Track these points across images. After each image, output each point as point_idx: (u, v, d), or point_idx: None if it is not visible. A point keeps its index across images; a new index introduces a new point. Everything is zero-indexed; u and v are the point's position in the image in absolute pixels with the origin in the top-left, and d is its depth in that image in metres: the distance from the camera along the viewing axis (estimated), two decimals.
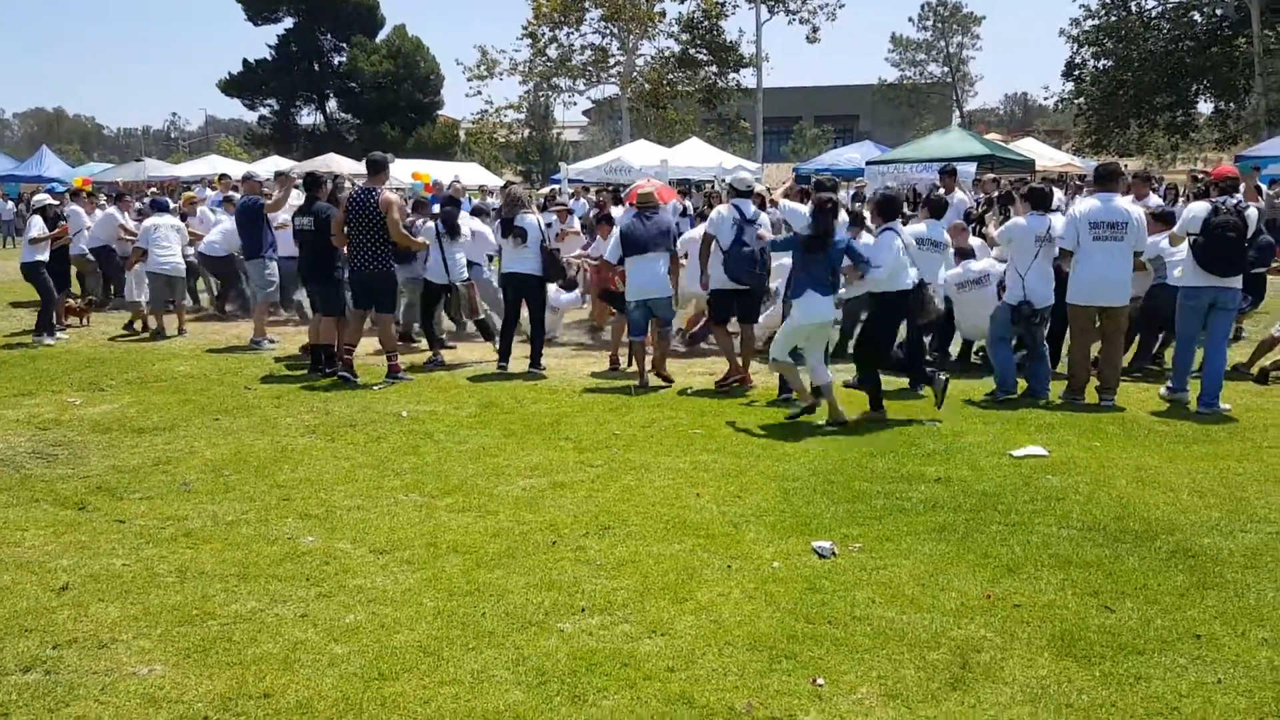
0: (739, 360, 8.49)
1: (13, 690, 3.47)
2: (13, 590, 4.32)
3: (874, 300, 7.47)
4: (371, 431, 7.05)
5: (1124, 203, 7.86)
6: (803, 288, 7.10)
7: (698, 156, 23.99)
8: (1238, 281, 7.41)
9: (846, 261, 7.14)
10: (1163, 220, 8.79)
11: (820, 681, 3.49)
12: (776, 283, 8.90)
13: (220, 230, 12.52)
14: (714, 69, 40.22)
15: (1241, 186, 10.96)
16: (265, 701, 3.40)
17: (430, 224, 9.98)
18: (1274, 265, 9.52)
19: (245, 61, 64.83)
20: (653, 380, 8.56)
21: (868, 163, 22.34)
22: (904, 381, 8.17)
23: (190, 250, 12.63)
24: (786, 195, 9.18)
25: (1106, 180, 7.91)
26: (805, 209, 7.95)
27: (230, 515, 5.30)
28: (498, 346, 9.41)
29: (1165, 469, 5.95)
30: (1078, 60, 41.64)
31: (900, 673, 3.56)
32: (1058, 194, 13.03)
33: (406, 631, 3.90)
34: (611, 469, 6.09)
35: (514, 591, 4.28)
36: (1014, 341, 8.06)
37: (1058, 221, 7.94)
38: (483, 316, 10.31)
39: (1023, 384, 7.93)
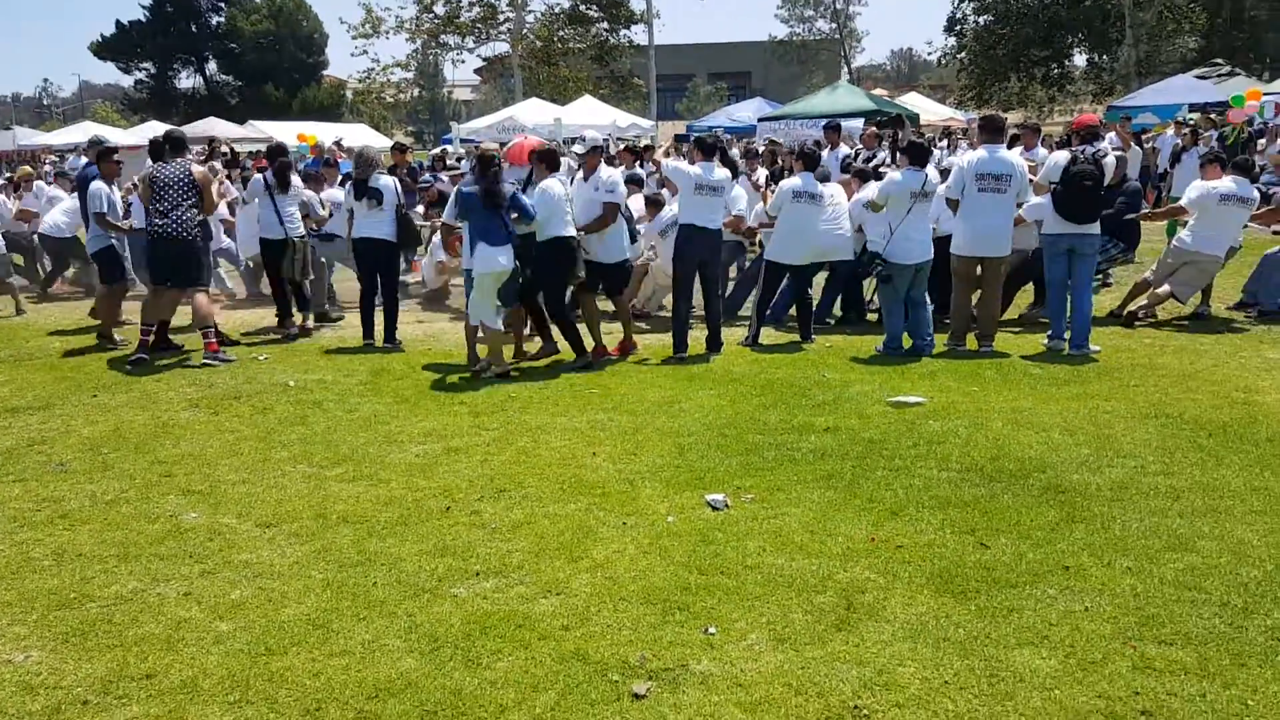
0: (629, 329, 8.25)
1: None
2: None
3: (536, 249, 7.60)
4: (257, 403, 6.86)
5: (1009, 154, 8.09)
6: (475, 241, 7.31)
7: (591, 114, 23.82)
8: (1095, 228, 7.69)
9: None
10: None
11: (712, 630, 3.57)
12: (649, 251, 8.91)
13: (63, 209, 11.44)
14: (605, 25, 39.86)
15: (1111, 135, 11.37)
16: (148, 682, 3.31)
17: (258, 176, 9.34)
18: (1145, 211, 9.96)
19: (119, 23, 61.75)
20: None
21: (759, 119, 22.52)
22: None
23: (25, 229, 11.94)
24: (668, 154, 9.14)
25: (993, 132, 8.11)
26: (690, 168, 7.93)
27: (109, 494, 5.11)
28: (360, 320, 8.82)
29: (1039, 410, 6.20)
30: (959, 15, 42.61)
31: (789, 617, 3.66)
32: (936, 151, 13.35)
33: (295, 605, 3.84)
34: (507, 432, 6.07)
35: (406, 559, 4.24)
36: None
37: (934, 175, 8.13)
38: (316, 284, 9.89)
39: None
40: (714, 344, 8.14)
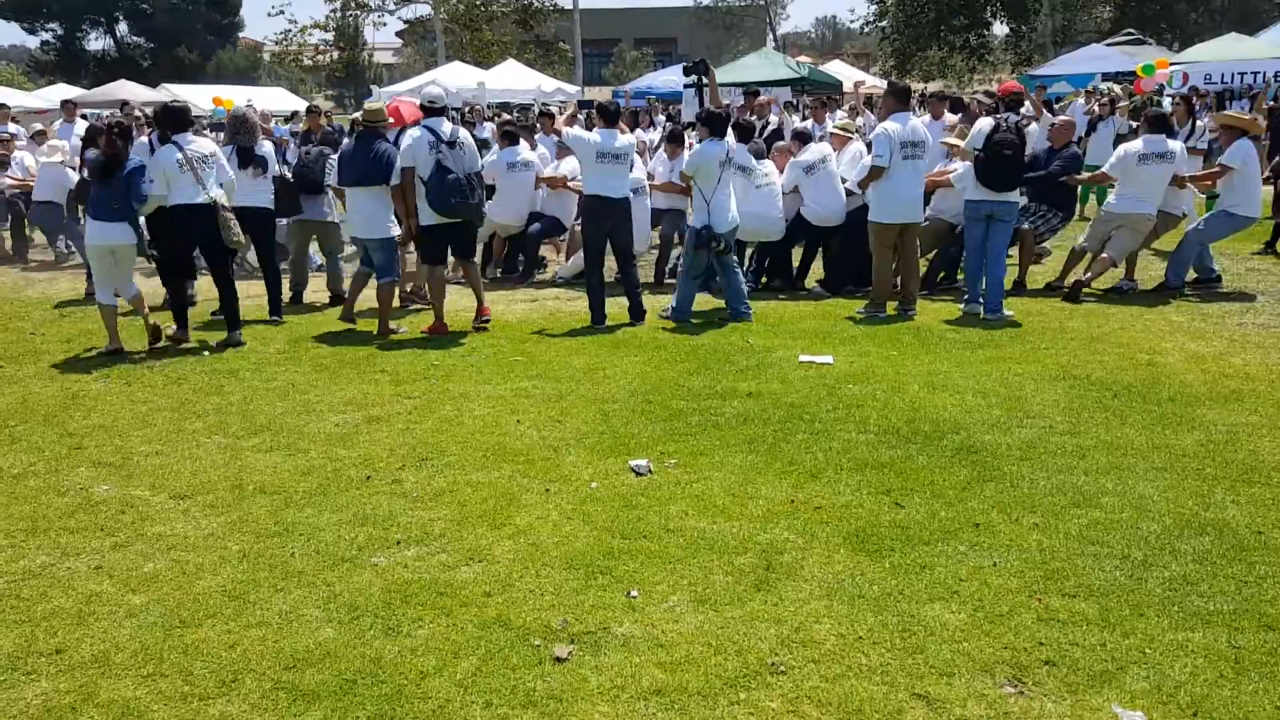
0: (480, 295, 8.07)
1: None
2: None
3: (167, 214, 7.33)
4: (170, 373, 6.69)
5: (919, 122, 8.25)
6: (92, 215, 7.15)
7: (516, 79, 23.58)
8: (1014, 195, 7.88)
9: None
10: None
11: (634, 594, 3.60)
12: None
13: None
14: None
15: (1026, 103, 11.58)
16: (57, 658, 3.24)
17: (144, 139, 8.74)
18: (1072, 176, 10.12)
19: None
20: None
21: (684, 85, 22.43)
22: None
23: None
24: (569, 122, 8.93)
25: (903, 100, 8.21)
26: (591, 136, 7.80)
27: (16, 467, 4.96)
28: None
29: (954, 373, 6.36)
30: None
31: (710, 579, 3.71)
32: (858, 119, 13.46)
33: (210, 577, 3.78)
34: (430, 400, 6.02)
35: (325, 529, 4.20)
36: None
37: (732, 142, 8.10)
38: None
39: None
40: (637, 313, 8.07)
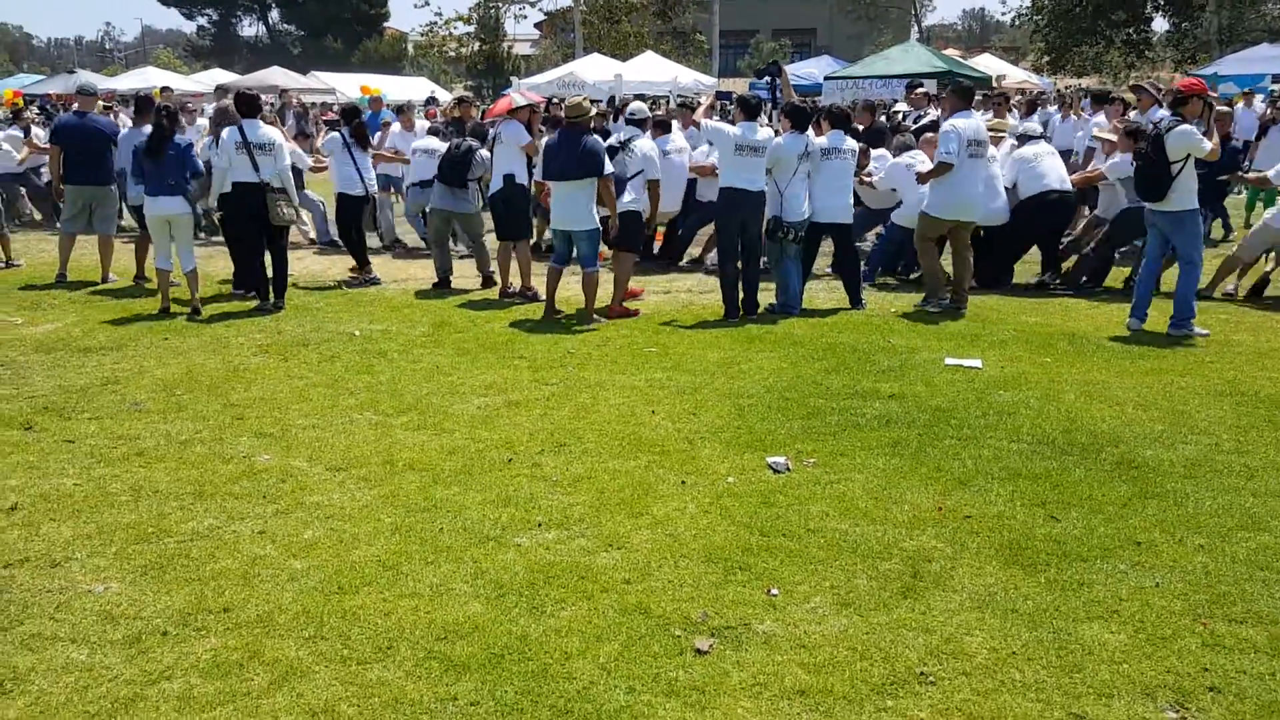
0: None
1: None
2: None
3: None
4: (325, 351, 6.97)
5: (980, 121, 8.33)
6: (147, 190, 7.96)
7: (652, 71, 23.62)
8: (1166, 204, 7.18)
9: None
10: (1132, 137, 8.77)
11: (775, 592, 3.57)
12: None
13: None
14: None
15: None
16: (225, 616, 3.40)
17: (335, 134, 9.57)
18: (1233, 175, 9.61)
19: None
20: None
21: (825, 77, 22.13)
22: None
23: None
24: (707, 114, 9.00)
25: (966, 98, 8.23)
26: (731, 129, 7.86)
27: (184, 434, 5.23)
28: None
29: (1113, 384, 6.08)
30: None
31: (853, 582, 3.64)
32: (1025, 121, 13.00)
33: (365, 547, 3.91)
34: (566, 387, 6.09)
35: (471, 508, 4.30)
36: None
37: (815, 138, 8.11)
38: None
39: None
40: (750, 306, 8.07)
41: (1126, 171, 8.33)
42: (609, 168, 7.71)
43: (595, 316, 7.90)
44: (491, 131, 8.96)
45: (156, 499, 4.39)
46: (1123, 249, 9.29)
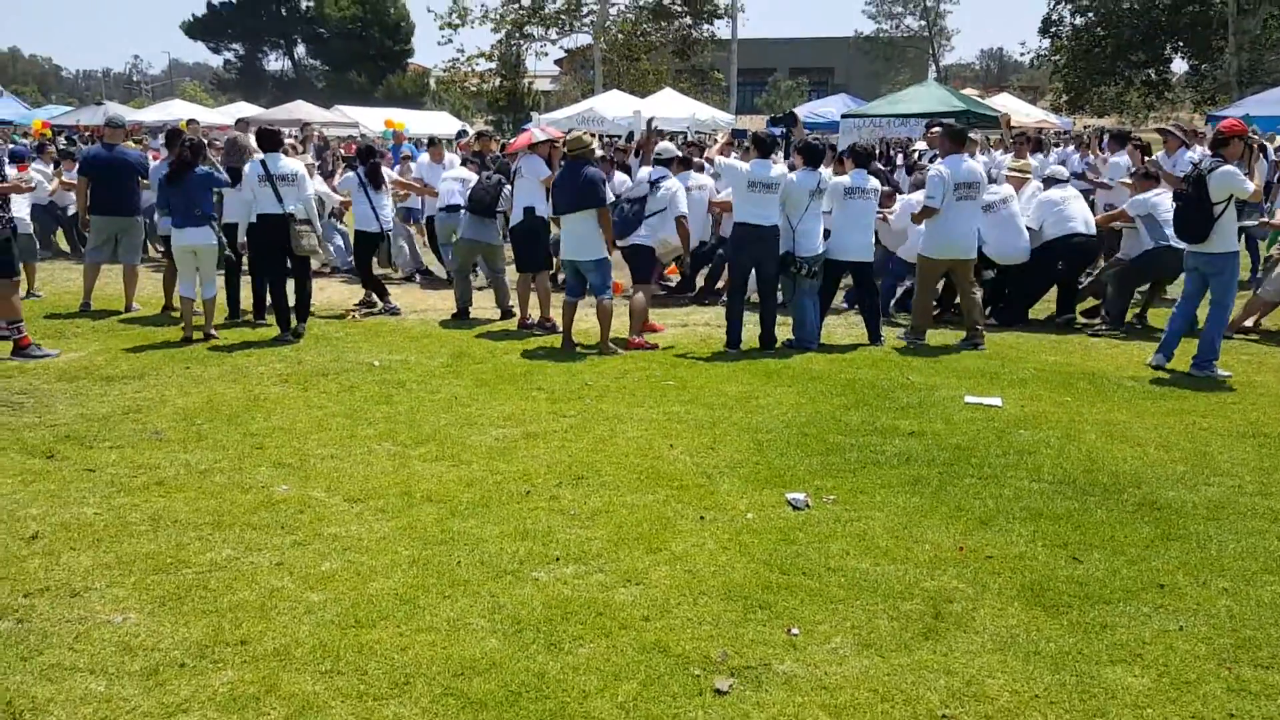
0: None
1: None
2: None
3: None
4: (344, 380, 7.00)
5: (973, 163, 8.38)
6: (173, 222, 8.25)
7: (671, 107, 23.78)
8: (1208, 246, 7.12)
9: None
10: (1150, 179, 8.84)
11: (795, 631, 3.53)
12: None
13: None
14: (688, 20, 39.76)
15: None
16: (242, 648, 3.39)
17: (351, 174, 9.77)
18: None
19: (210, 3, 63.38)
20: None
21: (843, 115, 22.23)
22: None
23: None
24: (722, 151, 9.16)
25: (959, 143, 8.30)
26: (742, 165, 8.02)
27: (203, 464, 5.25)
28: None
29: (1133, 424, 6.03)
30: (1055, 17, 41.60)
31: (874, 623, 3.61)
32: (1046, 158, 13.00)
33: (382, 579, 3.90)
34: (584, 419, 6.09)
35: (488, 540, 4.29)
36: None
37: (835, 177, 8.35)
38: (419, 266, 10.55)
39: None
40: (766, 340, 8.12)
41: (1147, 209, 8.40)
42: (609, 198, 7.94)
43: (611, 346, 7.93)
44: (513, 165, 9.07)
45: (175, 529, 4.40)
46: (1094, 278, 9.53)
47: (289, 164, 8.37)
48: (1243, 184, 6.98)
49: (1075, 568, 4.05)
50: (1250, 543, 4.30)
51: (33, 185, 7.62)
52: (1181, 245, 7.47)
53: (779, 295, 8.27)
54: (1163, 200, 8.38)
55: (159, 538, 4.30)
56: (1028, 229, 8.90)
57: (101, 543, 4.25)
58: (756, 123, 34.69)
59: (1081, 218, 8.96)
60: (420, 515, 4.56)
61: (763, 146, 8.04)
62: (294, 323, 8.45)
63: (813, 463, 5.32)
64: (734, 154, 9.72)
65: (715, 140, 18.05)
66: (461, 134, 22.53)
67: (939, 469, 5.21)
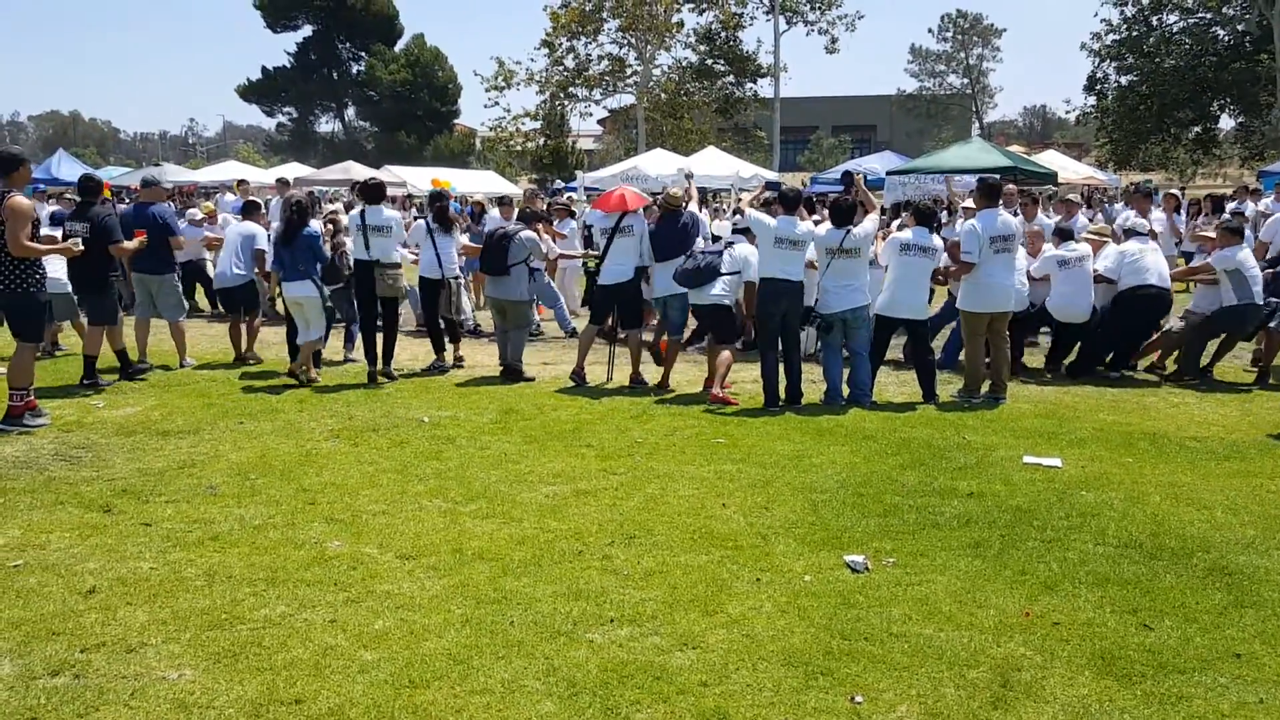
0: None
1: (41, 694, 3.44)
2: (39, 593, 4.30)
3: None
4: (394, 436, 7.02)
5: (1008, 216, 8.46)
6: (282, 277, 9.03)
7: (714, 165, 23.93)
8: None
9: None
10: (1236, 234, 8.91)
11: (859, 699, 3.43)
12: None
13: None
14: (731, 79, 40.25)
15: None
16: (297, 708, 3.36)
17: (421, 221, 9.94)
18: None
19: (264, 68, 65.43)
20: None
21: (888, 173, 22.23)
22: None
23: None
24: (753, 204, 9.18)
25: (992, 197, 8.36)
26: (770, 220, 8.09)
27: (257, 519, 5.27)
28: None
29: (1198, 486, 5.87)
30: (1099, 75, 41.57)
31: (940, 691, 3.49)
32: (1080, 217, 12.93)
33: (435, 639, 3.86)
34: (635, 477, 6.05)
35: (541, 600, 4.23)
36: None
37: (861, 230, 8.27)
38: (464, 318, 10.75)
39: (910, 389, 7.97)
40: (793, 395, 8.13)
41: (1233, 263, 8.50)
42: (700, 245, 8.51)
43: (642, 377, 8.84)
44: (624, 221, 8.92)
45: (230, 584, 4.40)
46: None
47: (389, 215, 9.00)
48: None
49: (1146, 635, 3.91)
50: None
51: (80, 249, 7.73)
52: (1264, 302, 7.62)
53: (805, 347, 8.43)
54: (1249, 256, 8.55)
55: (214, 593, 4.30)
56: (1105, 279, 9.08)
57: (157, 598, 4.25)
58: (800, 180, 34.85)
59: (1156, 271, 9.06)
60: (472, 573, 4.52)
61: (788, 202, 8.18)
62: (380, 363, 9.08)
63: (870, 524, 5.22)
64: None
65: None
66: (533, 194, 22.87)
67: (1000, 531, 5.09)
